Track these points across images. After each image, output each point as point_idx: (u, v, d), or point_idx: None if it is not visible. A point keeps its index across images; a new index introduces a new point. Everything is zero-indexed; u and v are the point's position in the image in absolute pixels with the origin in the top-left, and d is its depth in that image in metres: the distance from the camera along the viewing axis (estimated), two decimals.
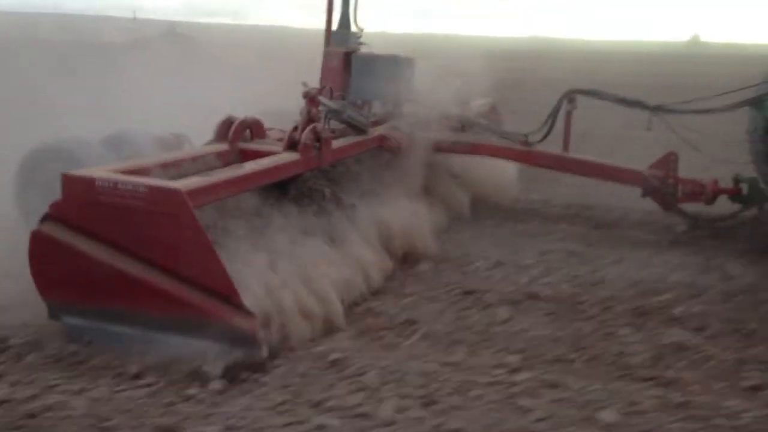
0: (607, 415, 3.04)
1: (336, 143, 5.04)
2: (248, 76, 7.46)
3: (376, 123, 6.15)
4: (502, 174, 6.76)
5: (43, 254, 3.48)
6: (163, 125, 5.13)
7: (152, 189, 3.35)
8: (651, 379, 3.40)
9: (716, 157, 6.13)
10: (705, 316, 4.12)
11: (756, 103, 5.58)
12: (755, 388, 3.34)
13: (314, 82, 5.99)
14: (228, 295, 3.33)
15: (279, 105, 5.95)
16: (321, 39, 6.80)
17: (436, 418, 3.00)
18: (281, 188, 4.59)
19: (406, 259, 5.00)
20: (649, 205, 6.10)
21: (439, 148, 6.14)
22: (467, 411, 3.07)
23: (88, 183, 3.42)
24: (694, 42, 74.42)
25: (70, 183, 3.45)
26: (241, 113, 4.90)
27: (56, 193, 3.64)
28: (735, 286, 4.67)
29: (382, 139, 5.82)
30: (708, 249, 5.47)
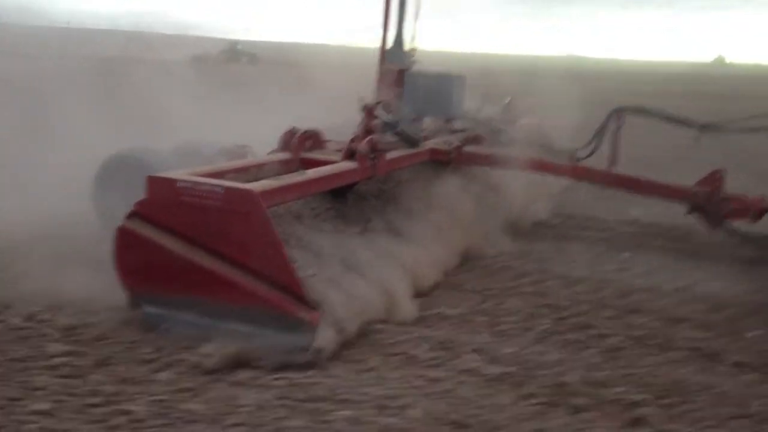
0: None
1: (390, 154, 5.30)
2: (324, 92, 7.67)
3: (427, 137, 6.39)
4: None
5: (127, 248, 3.80)
6: None
7: (228, 190, 3.66)
8: None
9: (764, 175, 6.18)
10: None
11: None
12: None
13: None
14: (294, 289, 3.60)
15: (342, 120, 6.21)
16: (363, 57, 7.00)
17: None
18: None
19: None
20: None
21: (488, 161, 6.32)
22: None
23: (171, 184, 3.74)
24: (719, 63, 73.63)
25: (154, 184, 3.78)
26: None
27: (130, 195, 3.98)
28: None
29: (434, 151, 6.06)
30: None
